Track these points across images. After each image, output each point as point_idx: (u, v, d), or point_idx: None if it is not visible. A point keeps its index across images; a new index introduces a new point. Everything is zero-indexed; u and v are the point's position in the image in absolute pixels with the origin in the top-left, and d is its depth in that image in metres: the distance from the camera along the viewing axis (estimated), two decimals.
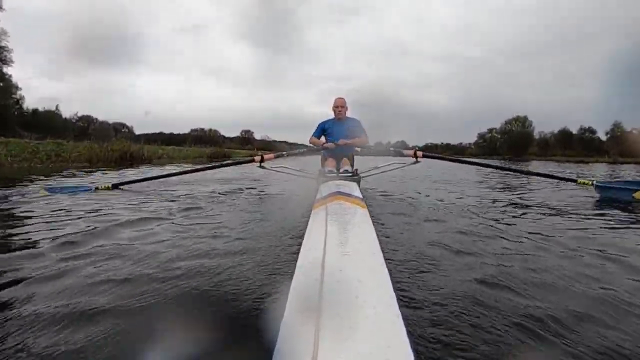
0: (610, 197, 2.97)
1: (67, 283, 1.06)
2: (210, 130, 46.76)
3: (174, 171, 4.07)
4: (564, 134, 44.51)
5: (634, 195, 2.84)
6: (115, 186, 3.32)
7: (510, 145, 43.95)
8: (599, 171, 10.12)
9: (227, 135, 48.97)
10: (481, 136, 51.28)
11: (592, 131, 42.88)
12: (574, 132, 44.08)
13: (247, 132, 50.41)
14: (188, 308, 0.92)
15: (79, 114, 34.12)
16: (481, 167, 5.24)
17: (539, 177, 4.37)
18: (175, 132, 45.15)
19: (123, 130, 37.91)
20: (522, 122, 45.76)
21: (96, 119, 34.96)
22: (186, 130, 45.80)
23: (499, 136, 47.96)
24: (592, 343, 0.77)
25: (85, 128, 31.28)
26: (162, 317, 0.87)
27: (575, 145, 41.56)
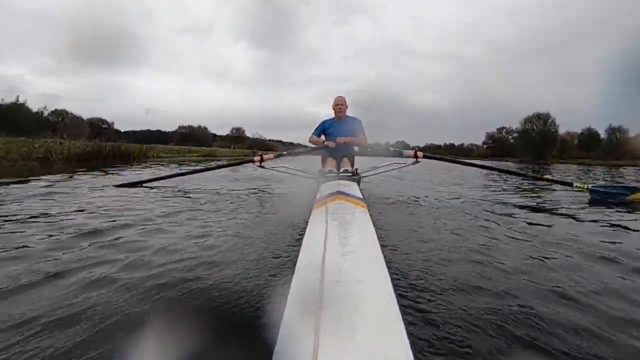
0: (606, 200, 3.37)
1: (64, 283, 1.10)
2: (199, 127, 46.73)
3: (174, 172, 4.42)
4: (590, 134, 44.03)
5: (627, 197, 3.30)
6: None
7: (530, 146, 43.51)
8: None
9: (218, 133, 49.21)
10: (490, 136, 50.79)
11: (622, 130, 41.99)
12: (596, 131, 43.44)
13: (238, 129, 50.32)
14: (188, 308, 0.97)
15: (52, 109, 33.87)
16: (483, 170, 5.51)
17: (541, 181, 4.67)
18: (164, 129, 45.51)
19: (103, 126, 37.81)
20: (544, 121, 45.13)
21: (70, 112, 34.74)
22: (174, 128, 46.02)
23: (516, 135, 47.40)
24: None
25: (58, 123, 31.08)
26: (161, 317, 0.92)
27: (602, 147, 41.28)
